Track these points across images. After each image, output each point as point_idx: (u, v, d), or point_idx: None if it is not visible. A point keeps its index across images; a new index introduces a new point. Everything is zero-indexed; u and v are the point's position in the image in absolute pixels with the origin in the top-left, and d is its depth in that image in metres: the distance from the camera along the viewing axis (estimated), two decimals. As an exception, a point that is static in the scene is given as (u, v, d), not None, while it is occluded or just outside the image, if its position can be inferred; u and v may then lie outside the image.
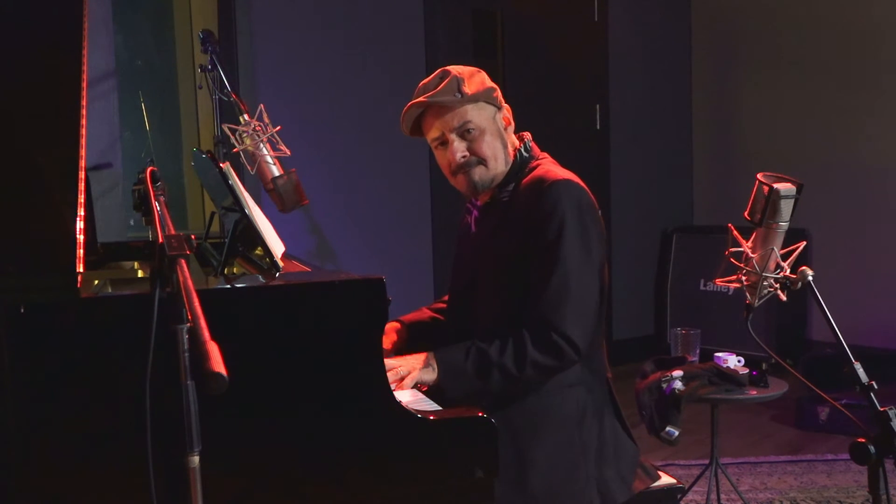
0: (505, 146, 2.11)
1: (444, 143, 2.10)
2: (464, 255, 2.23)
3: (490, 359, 1.96)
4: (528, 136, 2.18)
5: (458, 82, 2.05)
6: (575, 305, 1.97)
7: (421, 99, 2.07)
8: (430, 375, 1.99)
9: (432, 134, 2.11)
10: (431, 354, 2.02)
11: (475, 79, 2.09)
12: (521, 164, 2.12)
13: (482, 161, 2.08)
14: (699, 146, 6.06)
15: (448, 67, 2.10)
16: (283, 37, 4.33)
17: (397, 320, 2.33)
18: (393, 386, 1.86)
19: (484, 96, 2.08)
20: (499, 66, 5.15)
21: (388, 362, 1.97)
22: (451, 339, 2.20)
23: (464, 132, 2.07)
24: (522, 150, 2.14)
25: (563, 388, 2.04)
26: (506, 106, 2.14)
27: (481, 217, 2.19)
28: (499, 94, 2.12)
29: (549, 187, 2.01)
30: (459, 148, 2.08)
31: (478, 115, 2.07)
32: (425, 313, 2.40)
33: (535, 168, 2.12)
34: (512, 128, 2.15)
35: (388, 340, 2.24)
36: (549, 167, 2.10)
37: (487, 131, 2.08)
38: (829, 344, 4.78)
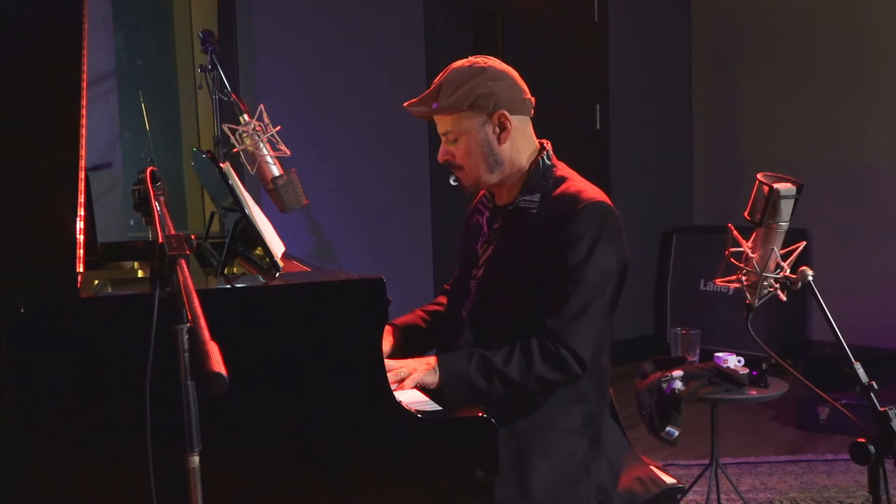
0: (492, 153, 2.08)
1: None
2: (475, 256, 2.21)
3: (494, 366, 1.96)
4: (548, 143, 2.17)
5: (439, 91, 2.06)
6: (590, 327, 1.99)
7: (405, 104, 2.12)
8: (432, 378, 1.99)
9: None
10: (434, 358, 2.02)
11: (467, 85, 2.05)
12: (543, 172, 2.11)
13: (460, 167, 2.13)
14: (699, 146, 6.06)
15: (455, 65, 2.09)
16: (283, 37, 4.33)
17: (390, 323, 2.32)
18: (394, 387, 1.86)
19: (466, 105, 2.05)
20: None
21: (389, 363, 1.97)
22: (451, 337, 2.20)
23: (445, 137, 2.12)
24: (545, 157, 2.13)
25: (570, 401, 2.04)
26: (502, 111, 2.06)
27: (501, 220, 2.16)
28: (497, 97, 2.05)
29: (584, 208, 2.01)
30: (443, 150, 2.14)
31: (457, 124, 2.08)
32: (418, 316, 2.39)
33: (562, 180, 2.10)
34: (514, 132, 2.08)
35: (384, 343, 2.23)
36: (580, 184, 2.09)
37: (471, 139, 2.08)
38: (829, 344, 4.78)
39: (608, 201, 2.06)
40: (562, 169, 2.15)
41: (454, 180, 2.20)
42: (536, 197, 2.10)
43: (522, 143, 2.12)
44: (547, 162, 2.13)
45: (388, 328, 2.29)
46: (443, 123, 2.11)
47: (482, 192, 2.25)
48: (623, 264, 2.06)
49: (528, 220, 2.09)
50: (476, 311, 2.15)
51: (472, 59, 2.12)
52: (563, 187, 2.08)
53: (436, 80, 2.11)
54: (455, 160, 2.12)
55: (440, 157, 2.15)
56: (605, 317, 2.03)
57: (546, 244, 2.03)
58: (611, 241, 2.01)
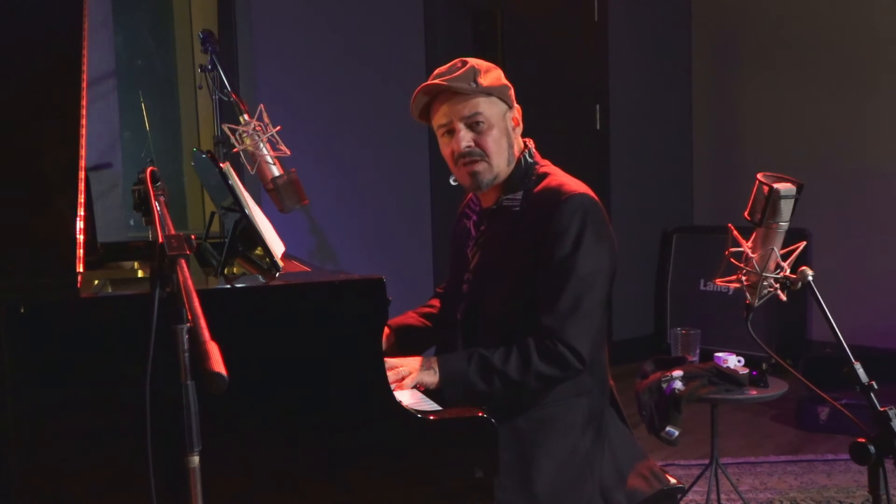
0: (510, 146, 2.10)
1: (450, 131, 2.08)
2: (465, 259, 2.21)
3: (493, 366, 1.97)
4: (530, 142, 2.17)
5: (475, 73, 2.05)
6: (584, 320, 1.98)
7: (437, 82, 2.04)
8: (431, 378, 1.99)
9: (440, 120, 2.08)
10: (434, 358, 2.03)
11: (492, 74, 2.08)
12: (525, 170, 2.11)
13: (485, 156, 2.06)
14: (699, 146, 6.06)
15: (466, 59, 2.09)
16: (283, 37, 4.33)
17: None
18: (393, 386, 1.86)
19: (498, 92, 2.07)
20: (498, 66, 5.13)
21: (389, 362, 1.97)
22: (448, 340, 2.20)
23: (472, 123, 2.05)
24: (527, 155, 2.13)
25: (570, 397, 2.04)
26: (517, 106, 2.13)
27: (487, 222, 2.17)
28: (512, 93, 2.11)
29: (567, 201, 2.00)
30: (465, 137, 2.05)
31: (489, 108, 2.05)
32: (412, 317, 2.39)
33: (544, 176, 2.10)
34: (520, 129, 2.14)
35: None
36: (562, 178, 2.09)
37: (496, 127, 2.06)
38: (829, 344, 4.78)
39: (591, 194, 2.05)
40: (545, 166, 2.15)
41: (454, 180, 2.17)
42: (519, 195, 2.10)
43: (518, 142, 2.14)
44: (529, 160, 2.13)
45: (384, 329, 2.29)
46: (472, 107, 2.04)
47: (469, 195, 2.26)
48: (612, 255, 2.05)
49: (513, 219, 2.09)
50: (470, 314, 2.15)
51: (465, 58, 2.11)
52: (544, 183, 2.09)
53: (437, 71, 2.07)
54: (480, 147, 2.06)
55: (462, 144, 2.05)
56: (598, 309, 2.02)
57: (532, 240, 2.02)
58: (596, 232, 2.01)
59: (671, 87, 5.95)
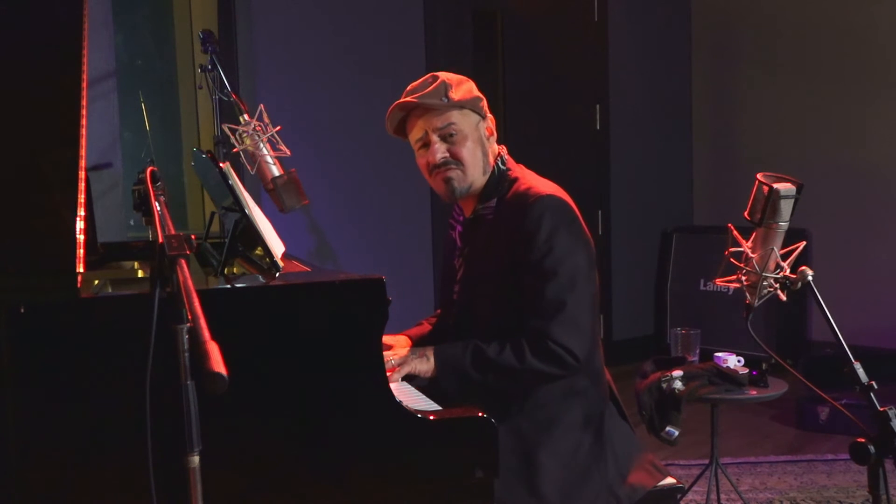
0: (485, 155, 2.13)
1: (426, 144, 2.13)
2: (454, 270, 2.25)
3: (488, 356, 2.00)
4: (503, 149, 2.20)
5: (446, 87, 2.09)
6: (570, 316, 2.00)
7: (408, 99, 2.10)
8: (425, 366, 2.02)
9: (415, 134, 2.14)
10: (429, 348, 2.06)
11: (463, 87, 2.11)
12: (499, 178, 2.14)
13: (460, 165, 2.10)
14: (699, 146, 6.05)
15: (437, 73, 2.14)
16: (283, 36, 4.33)
17: (405, 334, 2.36)
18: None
19: (470, 104, 2.11)
20: (499, 66, 5.14)
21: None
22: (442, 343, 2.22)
23: (446, 134, 2.10)
24: (500, 162, 2.16)
25: (568, 396, 2.06)
26: (490, 116, 2.17)
27: (466, 232, 2.21)
28: (485, 104, 2.15)
29: (534, 203, 2.03)
30: (440, 149, 2.10)
31: (462, 120, 2.10)
32: (427, 327, 2.42)
33: (514, 181, 2.13)
34: (494, 138, 2.17)
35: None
36: (530, 181, 2.12)
37: (469, 137, 2.10)
38: (829, 344, 4.77)
39: (559, 193, 2.08)
40: (516, 170, 2.18)
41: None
42: (493, 202, 2.13)
43: (493, 151, 2.17)
44: (502, 167, 2.16)
45: (405, 340, 2.32)
46: (445, 119, 2.09)
47: (455, 206, 2.28)
48: (587, 250, 2.07)
49: (488, 227, 2.12)
50: (462, 321, 2.19)
51: (435, 73, 2.14)
52: (514, 188, 2.12)
53: (410, 87, 2.11)
54: (454, 158, 2.10)
55: (437, 156, 2.09)
56: (585, 304, 2.04)
57: (507, 246, 2.06)
58: (567, 231, 2.03)
59: (671, 87, 5.95)
